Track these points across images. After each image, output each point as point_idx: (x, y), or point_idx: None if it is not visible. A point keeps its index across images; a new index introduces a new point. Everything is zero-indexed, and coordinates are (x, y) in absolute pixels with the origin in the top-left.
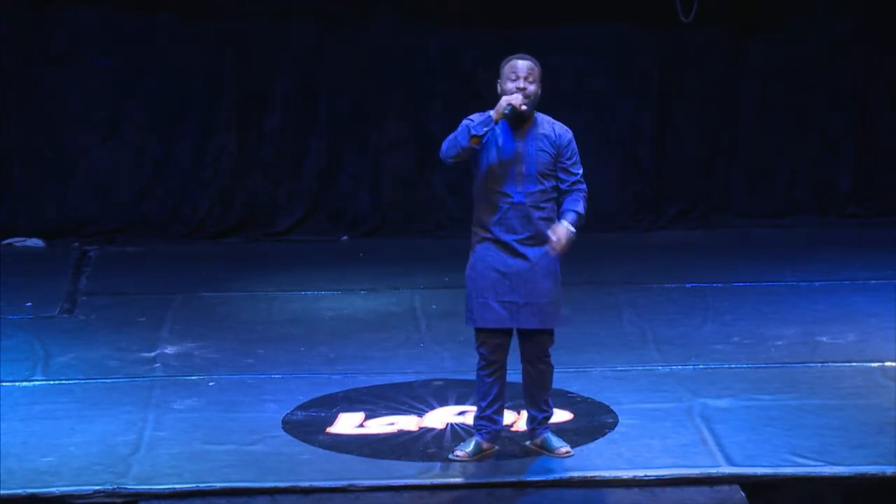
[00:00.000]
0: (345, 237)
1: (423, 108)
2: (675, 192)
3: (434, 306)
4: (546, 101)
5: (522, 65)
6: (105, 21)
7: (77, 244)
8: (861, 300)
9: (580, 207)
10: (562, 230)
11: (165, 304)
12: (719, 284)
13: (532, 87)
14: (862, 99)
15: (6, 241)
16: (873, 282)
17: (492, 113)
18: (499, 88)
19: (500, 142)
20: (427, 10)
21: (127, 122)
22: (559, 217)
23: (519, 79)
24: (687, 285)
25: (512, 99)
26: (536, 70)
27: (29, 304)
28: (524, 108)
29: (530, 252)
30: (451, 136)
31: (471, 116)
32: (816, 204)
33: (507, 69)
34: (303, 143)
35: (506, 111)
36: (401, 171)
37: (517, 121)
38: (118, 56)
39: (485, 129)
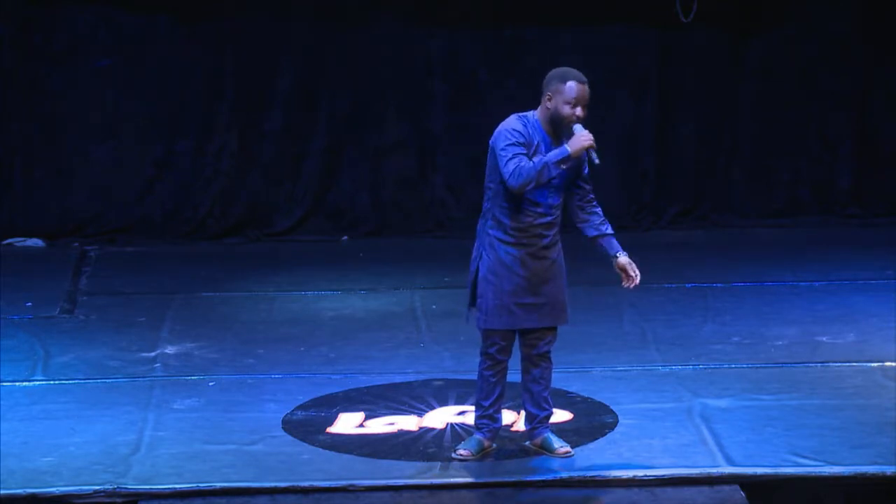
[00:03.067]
0: (345, 237)
1: (423, 108)
2: (675, 192)
3: (434, 306)
4: None
5: (585, 91)
6: (105, 21)
7: (77, 244)
8: (861, 300)
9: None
10: (631, 267)
11: (165, 304)
12: (719, 284)
13: (586, 113)
14: (862, 99)
15: (6, 241)
16: (873, 282)
17: (569, 149)
18: (548, 101)
19: (538, 155)
20: (427, 10)
21: (127, 122)
22: (605, 246)
23: (578, 106)
24: (687, 285)
25: (592, 142)
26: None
27: (29, 304)
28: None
29: (551, 254)
30: (523, 170)
31: (514, 127)
32: (816, 204)
33: (565, 90)
34: (303, 143)
35: (594, 159)
36: (401, 171)
37: (560, 136)
38: (118, 56)
39: (563, 166)
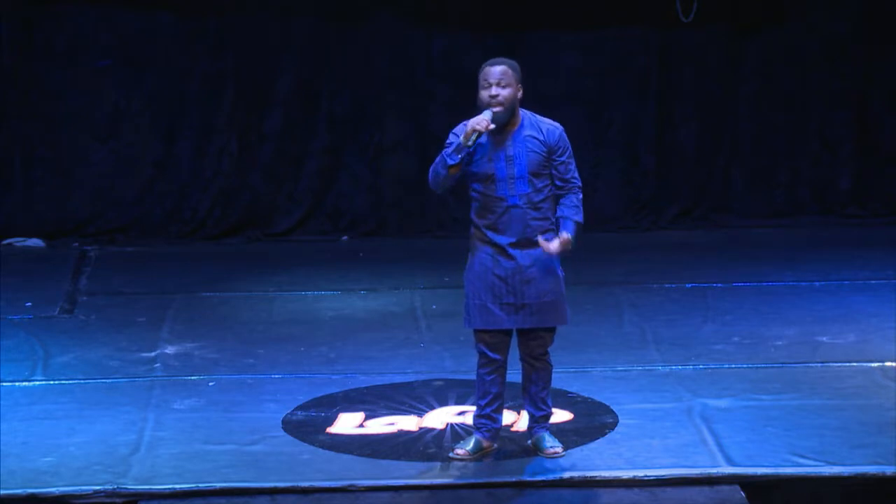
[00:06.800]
0: (345, 237)
1: (423, 108)
2: (675, 192)
3: (434, 306)
4: (546, 100)
5: (494, 70)
6: (105, 21)
7: (77, 244)
8: (861, 300)
9: (579, 216)
10: (557, 239)
11: (165, 304)
12: (719, 284)
13: (506, 92)
14: (862, 99)
15: (6, 241)
16: (873, 282)
17: (462, 139)
18: (478, 98)
19: (489, 148)
20: (427, 10)
21: (127, 122)
22: (559, 225)
23: (491, 86)
24: (687, 285)
25: (477, 124)
26: (510, 72)
27: (29, 304)
28: (492, 126)
29: (526, 254)
30: (433, 165)
31: (455, 130)
32: (816, 204)
33: (480, 77)
34: (303, 143)
35: (471, 139)
36: (401, 171)
37: (500, 125)
38: (118, 56)
39: (459, 156)
